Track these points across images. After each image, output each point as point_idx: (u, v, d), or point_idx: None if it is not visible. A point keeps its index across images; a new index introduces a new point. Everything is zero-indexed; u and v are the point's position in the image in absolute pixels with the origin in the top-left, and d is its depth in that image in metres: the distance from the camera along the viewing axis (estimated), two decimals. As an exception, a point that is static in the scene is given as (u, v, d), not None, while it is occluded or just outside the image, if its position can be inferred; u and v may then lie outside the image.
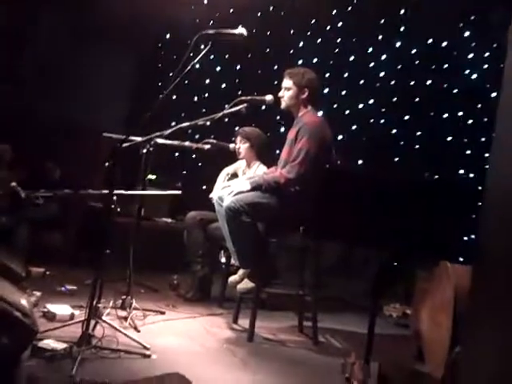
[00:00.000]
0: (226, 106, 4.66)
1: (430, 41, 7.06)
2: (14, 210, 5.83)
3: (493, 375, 2.46)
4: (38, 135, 6.84)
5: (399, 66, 7.30)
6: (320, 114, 4.91)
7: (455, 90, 6.85)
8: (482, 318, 2.68)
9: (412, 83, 7.16)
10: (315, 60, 7.43)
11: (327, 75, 7.31)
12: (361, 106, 7.49)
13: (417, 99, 7.11)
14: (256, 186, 4.51)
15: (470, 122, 6.78)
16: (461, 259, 4.04)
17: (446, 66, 6.95)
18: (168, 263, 6.05)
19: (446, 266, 3.96)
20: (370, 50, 7.46)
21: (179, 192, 5.50)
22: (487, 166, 2.69)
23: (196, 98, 8.06)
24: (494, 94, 6.13)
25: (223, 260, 5.64)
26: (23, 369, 2.81)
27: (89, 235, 5.72)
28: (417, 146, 7.10)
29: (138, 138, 4.44)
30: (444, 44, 7.00)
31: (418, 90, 7.08)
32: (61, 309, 4.22)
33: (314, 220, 3.92)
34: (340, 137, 7.00)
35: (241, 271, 4.61)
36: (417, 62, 7.13)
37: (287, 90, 4.67)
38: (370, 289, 3.20)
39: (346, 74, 7.56)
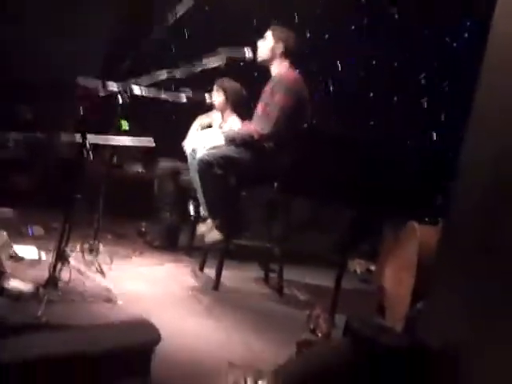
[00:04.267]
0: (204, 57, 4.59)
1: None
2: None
3: (459, 327, 2.49)
4: (11, 76, 6.67)
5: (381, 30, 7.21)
6: (296, 72, 4.84)
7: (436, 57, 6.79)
8: (448, 274, 2.69)
9: (392, 48, 7.07)
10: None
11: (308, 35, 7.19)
12: (339, 67, 7.41)
13: (396, 64, 7.04)
14: (230, 139, 4.50)
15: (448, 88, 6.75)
16: (427, 220, 4.06)
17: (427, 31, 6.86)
18: (137, 211, 5.98)
19: (413, 226, 3.98)
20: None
21: (153, 144, 5.43)
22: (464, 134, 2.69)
23: (174, 49, 7.90)
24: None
25: (192, 210, 5.61)
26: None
27: (59, 179, 5.63)
28: (394, 111, 7.05)
29: (114, 86, 4.35)
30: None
31: (399, 54, 7.01)
32: (28, 251, 4.16)
33: (287, 176, 3.91)
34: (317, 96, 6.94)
35: (209, 222, 4.59)
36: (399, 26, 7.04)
37: (264, 41, 4.64)
38: (339, 244, 3.20)
39: (326, 36, 7.45)
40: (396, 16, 6.96)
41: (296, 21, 6.83)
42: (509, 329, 2.23)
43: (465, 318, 2.50)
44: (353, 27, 7.28)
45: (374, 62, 7.14)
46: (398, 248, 4.18)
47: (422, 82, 6.86)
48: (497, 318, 2.31)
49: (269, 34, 4.65)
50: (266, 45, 4.64)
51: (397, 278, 4.11)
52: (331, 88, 7.46)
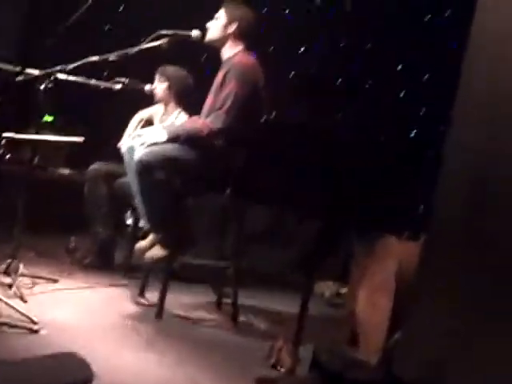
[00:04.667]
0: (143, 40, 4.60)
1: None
2: None
3: (441, 351, 2.56)
4: None
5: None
6: (253, 56, 4.88)
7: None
8: (431, 298, 2.76)
9: (364, 28, 7.14)
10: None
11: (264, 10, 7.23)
12: (302, 48, 7.47)
13: (369, 45, 7.11)
14: (174, 136, 4.47)
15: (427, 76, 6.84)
16: (406, 233, 4.11)
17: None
18: (64, 222, 5.97)
19: (389, 240, 4.04)
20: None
21: (81, 139, 5.41)
22: (447, 132, 2.76)
23: (108, 28, 7.87)
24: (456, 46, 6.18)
25: (130, 221, 5.61)
26: None
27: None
28: (365, 101, 7.11)
29: (36, 71, 4.33)
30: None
31: (371, 36, 7.09)
32: None
33: (240, 178, 3.95)
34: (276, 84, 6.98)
35: (150, 236, 4.59)
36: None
37: (215, 20, 4.67)
38: (302, 261, 3.24)
39: (286, 11, 7.50)
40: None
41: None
42: (498, 360, 2.30)
43: (448, 347, 2.57)
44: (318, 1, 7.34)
45: (343, 44, 7.22)
46: (373, 267, 4.23)
47: (399, 69, 6.94)
48: (483, 348, 2.38)
49: (221, 12, 4.68)
50: (217, 24, 4.67)
51: (371, 301, 4.16)
52: (293, 73, 7.51)
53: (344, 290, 5.51)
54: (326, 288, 5.77)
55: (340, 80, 7.30)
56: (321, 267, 5.30)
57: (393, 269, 3.86)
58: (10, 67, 4.62)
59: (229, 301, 4.68)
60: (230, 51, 4.67)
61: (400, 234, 4.08)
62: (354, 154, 3.40)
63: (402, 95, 6.92)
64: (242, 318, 4.66)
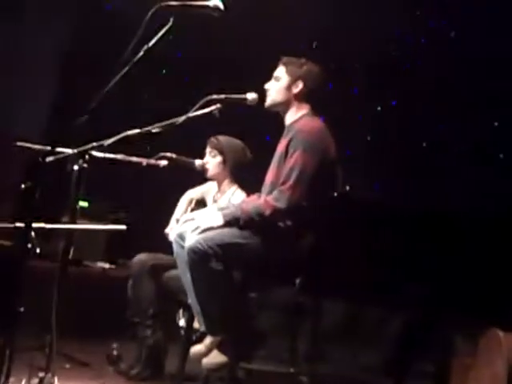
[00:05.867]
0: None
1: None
2: None
3: None
4: None
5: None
6: (320, 120, 4.89)
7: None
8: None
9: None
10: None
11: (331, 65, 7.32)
12: (379, 108, 7.50)
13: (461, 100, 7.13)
14: (231, 219, 4.47)
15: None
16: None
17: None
18: (105, 326, 6.00)
19: (496, 334, 3.96)
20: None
21: (123, 227, 5.47)
22: None
23: (147, 97, 8.03)
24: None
25: (182, 323, 5.61)
26: None
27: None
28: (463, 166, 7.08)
29: (68, 150, 4.41)
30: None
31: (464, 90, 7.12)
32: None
33: (312, 267, 3.93)
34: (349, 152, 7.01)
35: (208, 339, 4.58)
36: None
37: (276, 81, 4.71)
38: (389, 364, 3.21)
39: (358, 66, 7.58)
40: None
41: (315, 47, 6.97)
42: None
43: None
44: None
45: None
46: (478, 366, 4.16)
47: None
48: None
49: (281, 71, 4.72)
50: (279, 85, 4.70)
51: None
52: (369, 139, 7.53)
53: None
54: (420, 396, 5.67)
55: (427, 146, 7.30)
56: (412, 370, 5.23)
57: (502, 369, 3.79)
58: (38, 147, 4.71)
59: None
60: (294, 115, 4.70)
61: (507, 325, 4.01)
62: (448, 233, 3.37)
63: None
64: None
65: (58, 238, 4.89)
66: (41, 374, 4.47)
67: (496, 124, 7.08)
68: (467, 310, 3.51)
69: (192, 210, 5.53)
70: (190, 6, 4.09)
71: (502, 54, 6.94)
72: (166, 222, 5.57)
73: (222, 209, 4.69)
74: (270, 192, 4.56)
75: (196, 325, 4.98)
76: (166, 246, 4.99)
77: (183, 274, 4.56)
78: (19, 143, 5.05)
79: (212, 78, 7.48)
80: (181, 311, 5.61)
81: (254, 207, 4.52)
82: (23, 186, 3.95)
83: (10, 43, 7.48)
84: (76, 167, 4.65)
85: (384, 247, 3.32)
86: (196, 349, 4.61)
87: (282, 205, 4.41)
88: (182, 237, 4.57)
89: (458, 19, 7.32)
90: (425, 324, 3.75)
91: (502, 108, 6.94)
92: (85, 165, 4.65)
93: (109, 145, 4.52)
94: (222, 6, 4.11)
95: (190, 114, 4.65)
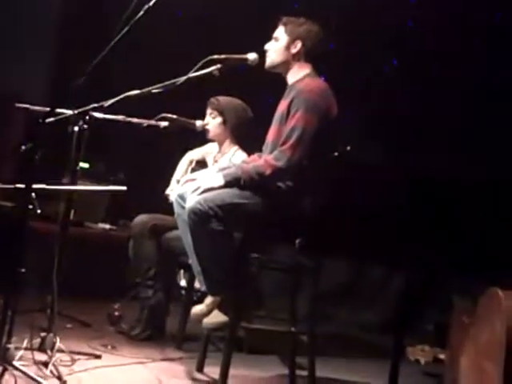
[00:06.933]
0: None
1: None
2: None
3: None
4: None
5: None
6: (322, 79, 4.88)
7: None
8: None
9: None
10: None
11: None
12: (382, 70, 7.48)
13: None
14: (232, 179, 4.46)
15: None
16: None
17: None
18: (106, 287, 6.02)
19: (495, 293, 3.97)
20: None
21: (124, 188, 5.48)
22: None
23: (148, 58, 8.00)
24: None
25: (183, 283, 5.63)
26: None
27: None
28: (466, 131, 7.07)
29: (68, 111, 4.41)
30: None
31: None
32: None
33: (313, 228, 3.93)
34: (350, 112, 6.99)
35: (208, 299, 4.59)
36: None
37: (275, 41, 4.70)
38: (390, 322, 3.22)
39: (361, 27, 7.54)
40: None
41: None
42: None
43: None
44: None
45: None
46: (476, 326, 4.17)
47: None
48: None
49: (280, 31, 4.70)
50: (278, 45, 4.68)
51: (477, 368, 4.09)
52: (371, 99, 7.52)
53: (443, 356, 5.43)
54: (420, 354, 5.68)
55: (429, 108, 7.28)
56: (413, 328, 5.26)
57: (501, 327, 3.80)
58: (37, 108, 4.71)
59: (304, 373, 4.66)
60: (295, 75, 4.68)
61: (508, 284, 4.01)
62: (448, 192, 3.37)
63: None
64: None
65: (59, 199, 4.90)
66: (42, 334, 4.51)
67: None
68: (468, 270, 3.51)
69: (193, 171, 5.53)
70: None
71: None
72: (167, 183, 5.57)
73: (222, 169, 4.68)
74: (271, 152, 4.55)
75: (197, 285, 5.01)
76: (166, 207, 4.99)
77: (184, 234, 4.55)
78: (19, 105, 5.05)
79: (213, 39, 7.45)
80: (181, 272, 5.65)
81: (254, 167, 4.51)
82: (23, 147, 3.94)
83: (10, 4, 7.44)
84: (76, 128, 4.66)
85: (384, 208, 3.32)
86: (197, 309, 4.62)
87: (282, 164, 4.40)
88: (182, 197, 4.56)
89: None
90: (425, 283, 3.76)
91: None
92: (85, 126, 4.66)
93: (109, 105, 4.52)
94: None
95: (191, 75, 4.64)
